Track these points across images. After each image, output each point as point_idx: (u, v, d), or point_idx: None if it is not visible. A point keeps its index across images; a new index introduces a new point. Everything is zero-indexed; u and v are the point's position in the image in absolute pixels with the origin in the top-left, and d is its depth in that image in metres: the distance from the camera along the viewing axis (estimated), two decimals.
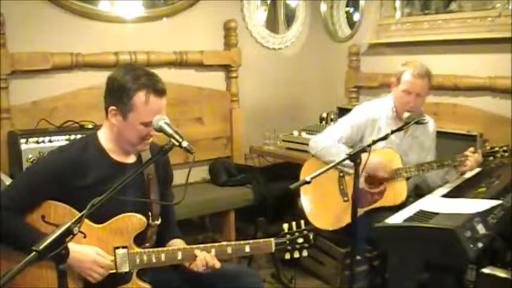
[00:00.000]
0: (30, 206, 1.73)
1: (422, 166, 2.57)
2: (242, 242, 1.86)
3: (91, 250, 1.71)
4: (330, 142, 2.67)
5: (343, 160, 2.11)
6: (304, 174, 2.68)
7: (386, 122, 2.70)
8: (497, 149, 2.56)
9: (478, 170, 2.69)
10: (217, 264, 1.81)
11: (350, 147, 2.74)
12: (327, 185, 2.65)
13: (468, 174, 2.63)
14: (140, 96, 1.72)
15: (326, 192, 2.65)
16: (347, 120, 2.77)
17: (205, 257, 1.80)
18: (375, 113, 2.73)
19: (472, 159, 2.52)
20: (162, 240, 1.95)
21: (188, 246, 1.82)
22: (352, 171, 2.56)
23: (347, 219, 2.55)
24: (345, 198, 2.63)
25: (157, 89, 1.74)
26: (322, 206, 2.64)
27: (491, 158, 2.58)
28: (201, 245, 1.84)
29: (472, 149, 2.57)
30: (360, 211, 2.51)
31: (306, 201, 2.67)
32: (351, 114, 2.80)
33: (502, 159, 2.58)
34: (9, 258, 1.68)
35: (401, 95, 2.63)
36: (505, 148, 2.56)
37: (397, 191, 2.58)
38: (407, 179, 2.60)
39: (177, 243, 1.94)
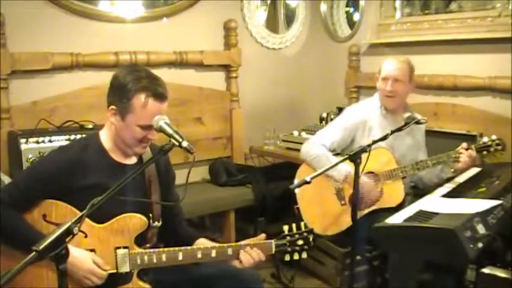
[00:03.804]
0: (29, 204, 1.73)
1: (418, 165, 2.57)
2: (243, 243, 1.85)
3: (88, 257, 1.70)
4: (321, 151, 2.66)
5: (343, 160, 2.11)
6: (300, 176, 2.69)
7: (376, 121, 2.72)
8: (490, 142, 2.56)
9: (477, 169, 2.69)
10: (262, 256, 1.83)
11: (342, 150, 2.76)
12: (323, 189, 2.64)
13: (468, 174, 2.63)
14: (139, 99, 1.72)
15: (323, 197, 2.64)
16: (338, 123, 2.77)
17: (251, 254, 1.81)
18: (364, 113, 2.75)
19: (465, 155, 2.52)
20: (175, 239, 1.94)
21: (189, 248, 1.81)
22: (340, 179, 2.58)
23: (346, 223, 2.56)
24: (342, 202, 2.63)
25: (157, 93, 1.73)
26: (320, 211, 2.62)
27: (485, 152, 2.58)
28: (202, 246, 1.84)
29: (464, 144, 2.57)
30: (359, 214, 2.51)
31: (303, 207, 2.66)
32: (340, 117, 2.83)
33: (496, 152, 2.57)
34: (10, 257, 1.68)
35: (381, 84, 2.69)
36: (497, 141, 2.56)
37: (395, 192, 2.58)
38: (403, 178, 2.60)
39: (204, 244, 1.93)
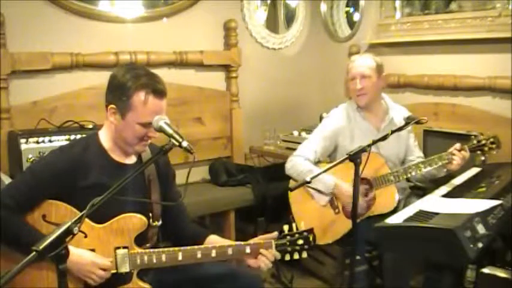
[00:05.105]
0: (31, 205, 1.72)
1: (410, 168, 2.54)
2: (243, 243, 1.85)
3: (90, 253, 1.71)
4: (306, 165, 2.63)
5: (344, 160, 2.10)
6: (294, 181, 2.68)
7: (356, 123, 2.71)
8: (484, 141, 2.54)
9: (477, 169, 2.69)
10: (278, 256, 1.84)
11: (327, 157, 2.76)
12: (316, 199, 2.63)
13: (468, 174, 2.63)
14: (139, 96, 1.72)
15: (317, 207, 2.62)
16: (318, 133, 2.76)
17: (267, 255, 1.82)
18: (343, 118, 2.74)
19: (457, 157, 2.49)
20: (180, 238, 1.94)
21: (189, 248, 1.81)
22: (323, 199, 2.58)
23: (341, 231, 2.55)
24: (336, 211, 2.61)
25: (156, 89, 1.73)
26: (315, 220, 2.56)
27: (479, 152, 2.56)
28: (202, 246, 1.84)
29: (458, 145, 2.53)
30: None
31: (298, 217, 2.63)
32: (320, 126, 2.81)
33: (490, 151, 2.55)
34: (9, 258, 1.68)
35: (351, 85, 2.69)
36: (492, 140, 2.54)
37: (388, 197, 2.55)
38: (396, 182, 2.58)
39: (216, 240, 1.94)
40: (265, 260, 1.82)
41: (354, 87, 2.67)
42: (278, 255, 1.84)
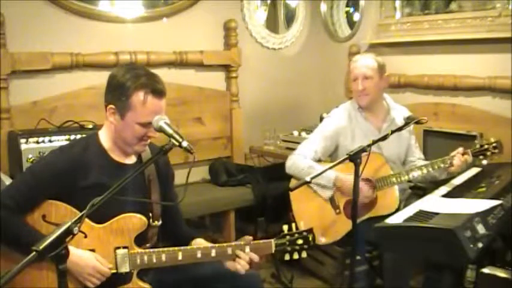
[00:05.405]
0: (31, 206, 1.72)
1: (412, 170, 2.55)
2: (242, 242, 1.86)
3: (92, 256, 1.71)
4: (306, 162, 2.63)
5: (344, 160, 2.10)
6: (294, 181, 2.67)
7: (357, 123, 2.71)
8: (486, 146, 2.54)
9: (477, 170, 2.69)
10: (256, 258, 1.83)
11: (328, 157, 2.76)
12: (317, 199, 2.63)
13: (468, 174, 2.63)
14: (138, 96, 1.71)
15: (318, 207, 2.62)
16: (319, 132, 2.77)
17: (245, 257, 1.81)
18: (344, 118, 2.74)
19: (459, 160, 2.49)
20: (174, 239, 1.94)
21: (189, 247, 1.81)
22: (325, 194, 2.58)
23: (342, 231, 2.55)
24: (337, 211, 2.61)
25: (156, 89, 1.73)
26: (315, 220, 2.58)
27: (481, 156, 2.55)
28: (201, 246, 1.85)
29: (461, 149, 2.53)
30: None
31: (298, 216, 2.64)
32: (321, 126, 2.81)
33: (493, 155, 2.55)
34: (9, 258, 1.68)
35: (353, 86, 2.70)
36: (494, 144, 2.54)
37: (389, 198, 2.55)
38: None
39: (201, 243, 1.94)
40: (241, 262, 1.81)
41: (356, 87, 2.67)
42: (255, 257, 1.83)
